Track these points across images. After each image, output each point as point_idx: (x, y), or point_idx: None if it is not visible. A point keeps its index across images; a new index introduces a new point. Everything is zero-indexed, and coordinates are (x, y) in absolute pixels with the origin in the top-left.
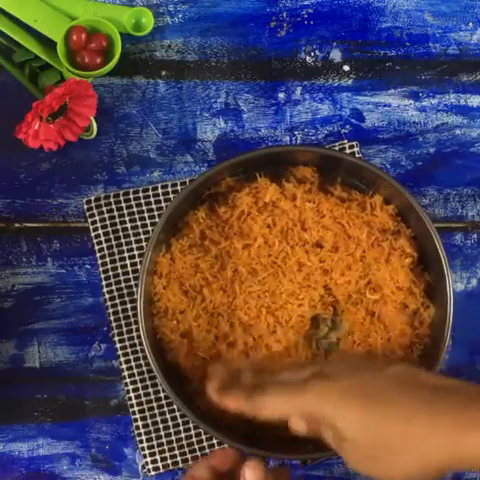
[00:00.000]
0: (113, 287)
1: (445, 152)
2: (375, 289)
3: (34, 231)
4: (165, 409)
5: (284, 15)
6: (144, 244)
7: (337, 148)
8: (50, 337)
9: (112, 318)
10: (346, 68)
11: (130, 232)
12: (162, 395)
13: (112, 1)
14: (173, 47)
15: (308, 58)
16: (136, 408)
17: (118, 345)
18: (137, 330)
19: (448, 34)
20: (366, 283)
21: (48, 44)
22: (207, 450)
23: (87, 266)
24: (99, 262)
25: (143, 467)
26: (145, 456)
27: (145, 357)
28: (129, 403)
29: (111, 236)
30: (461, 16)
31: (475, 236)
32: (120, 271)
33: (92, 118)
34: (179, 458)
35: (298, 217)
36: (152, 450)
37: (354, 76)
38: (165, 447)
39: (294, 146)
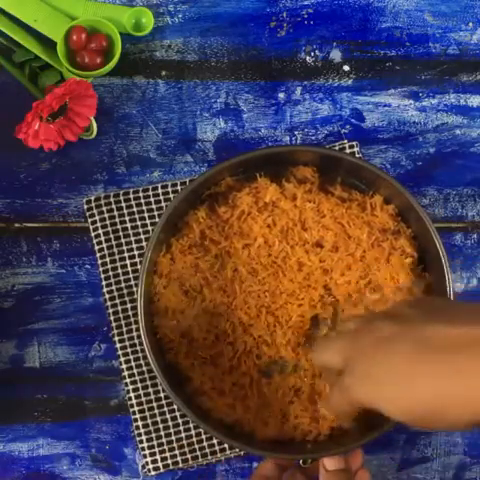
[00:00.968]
0: (113, 287)
1: (445, 152)
2: (375, 289)
3: (34, 231)
4: (165, 409)
5: (284, 15)
6: (144, 244)
7: (337, 148)
8: (50, 337)
9: (112, 318)
10: (346, 68)
11: (130, 232)
12: (162, 395)
13: (112, 1)
14: (173, 47)
15: (308, 58)
16: (136, 408)
17: (118, 345)
18: (137, 330)
19: (448, 34)
20: (366, 283)
21: (48, 44)
22: (207, 450)
23: (87, 266)
24: (99, 262)
25: (143, 467)
26: (145, 456)
27: (145, 357)
28: (129, 403)
29: (111, 236)
30: (461, 16)
31: (475, 236)
32: (120, 271)
33: (92, 118)
34: (179, 458)
35: (298, 217)
36: (152, 450)
37: (354, 76)
38: (165, 447)
39: (294, 146)
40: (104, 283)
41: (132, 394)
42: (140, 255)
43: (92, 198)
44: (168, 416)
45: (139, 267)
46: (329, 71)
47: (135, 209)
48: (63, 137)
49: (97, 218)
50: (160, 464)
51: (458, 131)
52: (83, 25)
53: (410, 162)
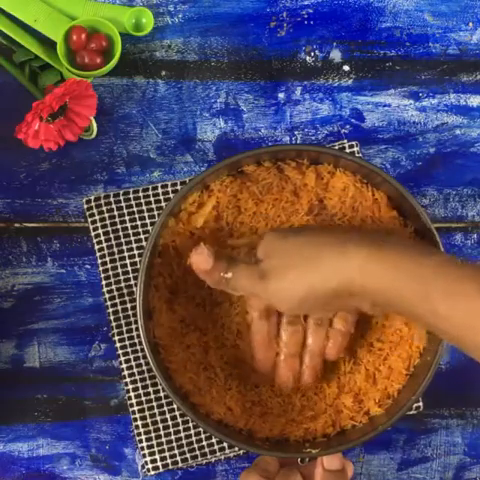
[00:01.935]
0: (113, 287)
1: (445, 152)
2: None
3: (34, 231)
4: (165, 409)
5: (284, 15)
6: (144, 244)
7: (337, 147)
8: (50, 337)
9: (112, 318)
10: (346, 68)
11: (130, 232)
12: (162, 395)
13: (112, 1)
14: (173, 47)
15: (308, 58)
16: (136, 408)
17: (118, 345)
18: (137, 330)
19: (448, 34)
20: None
21: (48, 44)
22: (206, 449)
23: (87, 266)
24: (99, 262)
25: (142, 467)
26: (145, 456)
27: (145, 357)
28: (129, 403)
29: (111, 236)
30: (461, 16)
31: (475, 236)
32: (120, 271)
33: (92, 118)
34: (179, 458)
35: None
36: (152, 450)
37: (354, 76)
38: (165, 447)
39: (292, 145)
40: (104, 283)
41: (132, 394)
42: (140, 255)
43: (92, 198)
44: (168, 416)
45: (139, 267)
46: (329, 71)
47: (135, 209)
48: (63, 137)
49: (97, 218)
50: (159, 464)
51: (458, 131)
52: (83, 25)
53: (410, 162)
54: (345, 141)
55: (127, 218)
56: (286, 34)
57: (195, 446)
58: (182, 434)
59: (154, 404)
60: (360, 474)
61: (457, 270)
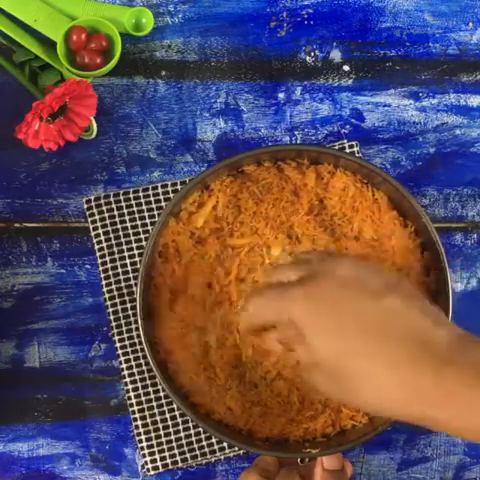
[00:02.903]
0: (113, 287)
1: (445, 152)
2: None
3: (34, 231)
4: (165, 409)
5: (284, 15)
6: (144, 243)
7: (337, 147)
8: (50, 337)
9: (112, 318)
10: (346, 68)
11: (130, 231)
12: (162, 394)
13: (112, 1)
14: (173, 47)
15: (308, 58)
16: (135, 407)
17: (118, 345)
18: (137, 330)
19: (448, 34)
20: None
21: (48, 44)
22: (206, 449)
23: (87, 266)
24: (99, 261)
25: (142, 467)
26: (144, 456)
27: (145, 357)
28: (129, 403)
29: (111, 236)
30: (461, 16)
31: (475, 236)
32: (120, 270)
33: (92, 118)
34: (178, 458)
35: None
36: (151, 450)
37: (354, 76)
38: (164, 446)
39: (292, 145)
40: (104, 283)
41: (132, 394)
42: (140, 255)
43: (92, 198)
44: (167, 416)
45: (139, 266)
46: (329, 71)
47: (135, 209)
48: (63, 137)
49: (97, 218)
50: (159, 464)
51: (458, 131)
52: (83, 25)
53: (410, 162)
54: (345, 141)
55: (127, 218)
56: (286, 34)
57: (195, 446)
58: (182, 434)
59: (154, 404)
60: (360, 474)
61: None
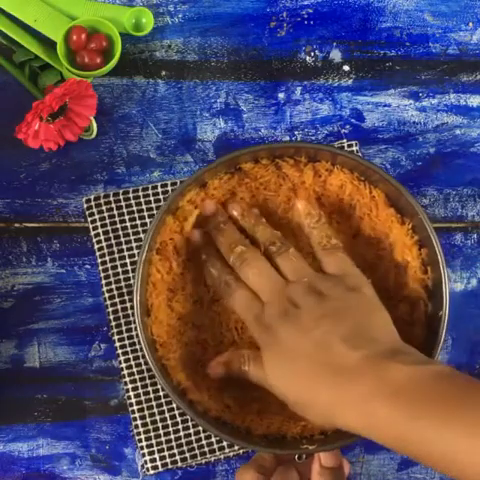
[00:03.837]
0: (113, 286)
1: (445, 152)
2: None
3: (34, 231)
4: (164, 408)
5: (284, 15)
6: None
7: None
8: (50, 337)
9: (112, 318)
10: (346, 68)
11: (130, 231)
12: (161, 394)
13: (112, 1)
14: (173, 47)
15: (308, 58)
16: (135, 407)
17: (118, 344)
18: (137, 329)
19: (448, 34)
20: None
21: (48, 44)
22: (206, 449)
23: (87, 266)
24: (99, 261)
25: (142, 466)
26: (144, 455)
27: (144, 356)
28: (128, 402)
29: (111, 235)
30: (461, 16)
31: (475, 236)
32: (120, 270)
33: (92, 118)
34: (178, 457)
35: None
36: (151, 449)
37: (354, 76)
38: (164, 446)
39: (290, 143)
40: (104, 283)
41: (131, 393)
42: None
43: (92, 197)
44: (167, 415)
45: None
46: (329, 71)
47: (135, 208)
48: (63, 137)
49: (97, 217)
50: (159, 463)
51: (458, 131)
52: (83, 25)
53: (410, 162)
54: (345, 141)
55: (127, 218)
56: (286, 34)
57: (194, 445)
58: (181, 433)
59: (153, 403)
60: (360, 474)
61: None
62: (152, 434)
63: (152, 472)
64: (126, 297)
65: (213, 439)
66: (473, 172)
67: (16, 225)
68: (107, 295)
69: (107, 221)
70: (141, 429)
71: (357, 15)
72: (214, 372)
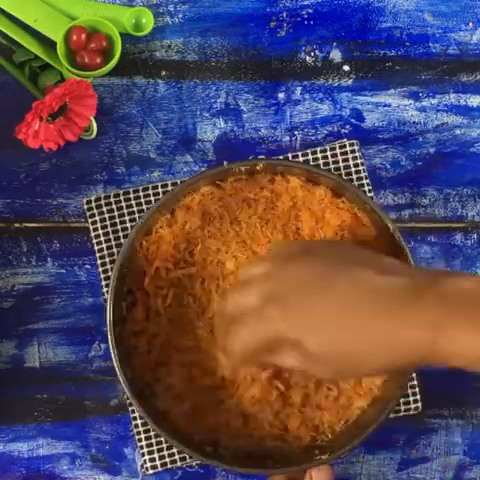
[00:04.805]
0: None
1: (445, 152)
2: None
3: (34, 231)
4: None
5: (284, 15)
6: None
7: (337, 147)
8: (50, 337)
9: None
10: (346, 68)
11: (130, 232)
12: None
13: (112, 1)
14: (173, 47)
15: (308, 58)
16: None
17: None
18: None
19: (448, 34)
20: None
21: (48, 44)
22: None
23: (87, 266)
24: (99, 262)
25: (141, 466)
26: (143, 455)
27: None
28: (128, 402)
29: (111, 236)
30: (461, 16)
31: (475, 236)
32: None
33: (92, 118)
34: (177, 456)
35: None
36: (151, 448)
37: (354, 76)
38: (164, 445)
39: (276, 160)
40: (104, 283)
41: None
42: None
43: (92, 198)
44: None
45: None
46: (329, 71)
47: (135, 208)
48: (63, 137)
49: (97, 218)
50: (158, 463)
51: (458, 131)
52: (83, 25)
53: (410, 162)
54: (345, 140)
55: (127, 218)
56: (286, 34)
57: None
58: None
59: None
60: (360, 474)
61: None
62: (152, 434)
63: (151, 472)
64: None
65: None
66: (473, 172)
67: (16, 225)
68: (107, 295)
69: (107, 222)
70: (141, 428)
71: (357, 15)
72: None
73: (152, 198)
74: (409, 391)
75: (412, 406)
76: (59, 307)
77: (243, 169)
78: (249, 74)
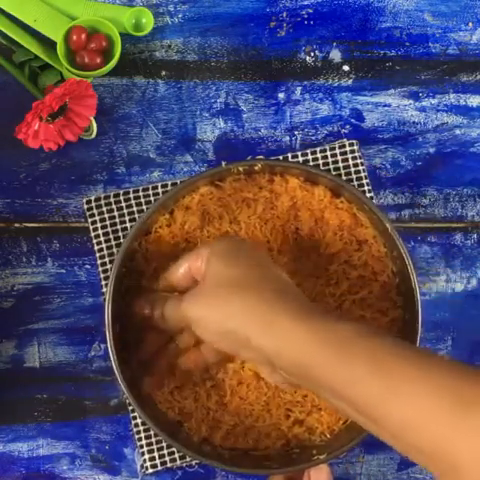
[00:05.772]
0: None
1: (445, 152)
2: None
3: (34, 231)
4: None
5: (284, 15)
6: None
7: (337, 147)
8: (50, 337)
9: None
10: (346, 68)
11: (130, 232)
12: None
13: (112, 1)
14: (173, 47)
15: (308, 58)
16: None
17: None
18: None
19: (448, 34)
20: None
21: (48, 44)
22: None
23: (87, 266)
24: (98, 262)
25: (141, 466)
26: (143, 454)
27: None
28: (128, 401)
29: (111, 236)
30: (461, 16)
31: (475, 236)
32: None
33: (92, 118)
34: (177, 455)
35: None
36: (150, 447)
37: (354, 76)
38: (163, 444)
39: (276, 161)
40: (103, 283)
41: None
42: None
43: (92, 198)
44: None
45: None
46: (329, 71)
47: (135, 209)
48: (63, 137)
49: (97, 218)
50: (158, 462)
51: (458, 131)
52: (83, 25)
53: (410, 162)
54: (345, 140)
55: (127, 218)
56: (286, 34)
57: None
58: None
59: None
60: (360, 474)
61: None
62: (152, 433)
63: (151, 471)
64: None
65: None
66: (473, 172)
67: (16, 225)
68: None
69: (107, 222)
70: (141, 428)
71: (357, 15)
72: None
73: (152, 198)
74: None
75: None
76: (59, 307)
77: (241, 169)
78: (249, 74)
